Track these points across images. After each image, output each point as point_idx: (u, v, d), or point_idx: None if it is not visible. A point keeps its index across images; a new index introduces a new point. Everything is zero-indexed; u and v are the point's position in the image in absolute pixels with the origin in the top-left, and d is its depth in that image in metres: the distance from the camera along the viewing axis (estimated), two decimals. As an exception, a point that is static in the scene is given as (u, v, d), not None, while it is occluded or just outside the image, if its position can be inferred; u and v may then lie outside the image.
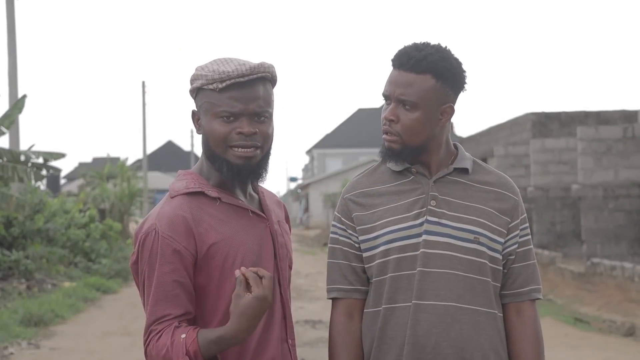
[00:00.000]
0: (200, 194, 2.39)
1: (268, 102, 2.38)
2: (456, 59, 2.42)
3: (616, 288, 12.43)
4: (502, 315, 2.46)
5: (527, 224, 2.51)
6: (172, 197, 2.39)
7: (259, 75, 2.35)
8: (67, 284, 15.38)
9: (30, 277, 14.82)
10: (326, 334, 10.60)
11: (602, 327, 11.90)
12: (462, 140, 27.02)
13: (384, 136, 2.42)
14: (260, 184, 2.59)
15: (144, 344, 2.28)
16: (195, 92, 2.40)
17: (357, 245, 2.46)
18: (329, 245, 2.53)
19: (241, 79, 2.33)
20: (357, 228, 2.45)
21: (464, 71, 2.44)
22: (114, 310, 13.55)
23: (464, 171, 2.47)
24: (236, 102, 2.33)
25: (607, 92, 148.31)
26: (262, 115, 2.36)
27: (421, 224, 2.39)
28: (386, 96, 2.42)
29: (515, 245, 2.47)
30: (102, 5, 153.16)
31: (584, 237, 15.51)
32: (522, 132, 21.18)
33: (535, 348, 2.44)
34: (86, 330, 11.50)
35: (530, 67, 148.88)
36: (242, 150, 2.35)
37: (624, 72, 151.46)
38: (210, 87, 2.34)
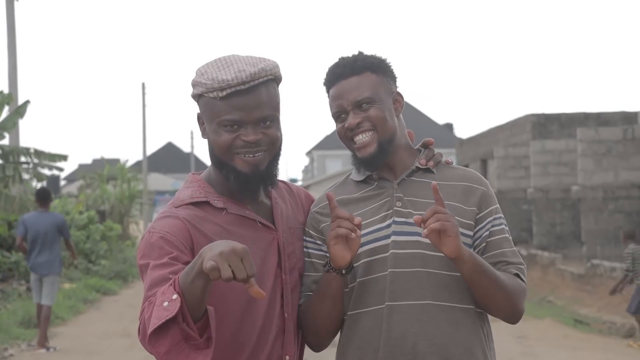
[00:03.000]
0: (206, 203, 2.33)
1: (273, 105, 2.31)
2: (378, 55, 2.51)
3: (616, 289, 12.40)
4: (482, 311, 2.41)
5: (501, 215, 2.45)
6: (176, 207, 2.32)
7: (261, 80, 2.28)
8: (67, 285, 15.38)
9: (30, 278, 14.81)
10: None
11: (602, 329, 11.90)
12: (462, 141, 26.99)
13: (358, 144, 2.39)
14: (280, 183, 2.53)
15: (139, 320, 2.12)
16: (197, 98, 2.34)
17: (328, 256, 2.42)
18: (305, 259, 2.49)
19: (242, 87, 2.26)
20: (327, 239, 2.42)
21: (390, 62, 2.51)
22: (113, 312, 13.55)
23: (428, 171, 2.45)
24: (238, 110, 2.26)
25: (607, 93, 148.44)
26: (267, 120, 2.29)
27: (388, 226, 2.38)
28: (340, 111, 2.41)
29: (487, 233, 2.41)
30: (102, 7, 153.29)
31: (584, 239, 15.50)
32: (522, 133, 21.18)
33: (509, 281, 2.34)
34: (86, 331, 11.51)
35: (530, 69, 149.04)
36: (249, 156, 2.28)
37: (623, 73, 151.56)
38: (211, 95, 2.28)
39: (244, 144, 2.28)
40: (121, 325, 11.76)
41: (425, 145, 2.54)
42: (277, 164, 2.38)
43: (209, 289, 2.02)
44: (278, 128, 2.34)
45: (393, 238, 2.37)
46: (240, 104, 2.26)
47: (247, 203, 2.38)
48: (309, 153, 64.15)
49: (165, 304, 1.99)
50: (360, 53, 2.46)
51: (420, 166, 2.45)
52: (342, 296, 2.38)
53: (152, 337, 2.01)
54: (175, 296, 1.99)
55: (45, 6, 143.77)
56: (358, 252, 2.35)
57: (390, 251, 2.36)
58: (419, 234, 2.34)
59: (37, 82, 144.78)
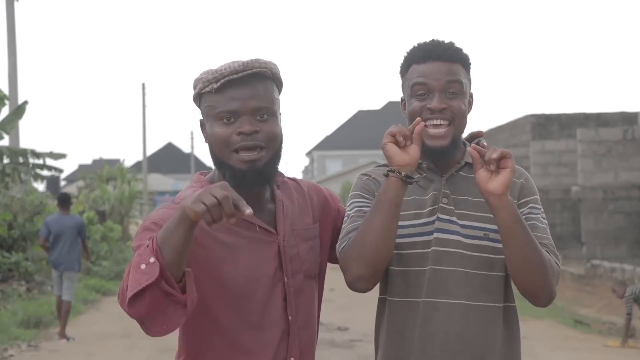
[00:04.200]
0: None
1: (269, 99, 2.31)
2: None
3: (616, 290, 12.41)
4: (514, 305, 2.45)
5: (539, 207, 2.44)
6: (176, 204, 2.31)
7: (254, 71, 2.29)
8: (67, 286, 15.36)
9: (30, 279, 14.81)
10: (326, 336, 10.56)
11: (602, 329, 11.90)
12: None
13: (434, 131, 2.36)
14: (296, 181, 2.53)
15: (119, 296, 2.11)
16: (198, 99, 2.37)
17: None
18: (350, 215, 2.41)
19: (235, 76, 2.28)
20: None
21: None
22: (114, 312, 13.53)
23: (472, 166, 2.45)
24: (233, 100, 2.28)
25: (606, 94, 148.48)
26: (263, 112, 2.29)
27: (432, 222, 2.39)
28: (423, 87, 2.38)
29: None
30: (102, 7, 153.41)
31: (584, 239, 15.51)
32: (522, 134, 21.18)
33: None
34: (86, 332, 11.51)
35: (530, 69, 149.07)
36: (246, 154, 2.28)
37: (623, 74, 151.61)
38: (208, 89, 2.31)
39: (240, 138, 2.28)
40: (121, 325, 11.75)
41: (473, 138, 2.55)
42: (277, 163, 2.36)
43: (190, 242, 2.03)
44: (276, 124, 2.34)
45: (436, 235, 2.38)
46: (235, 95, 2.29)
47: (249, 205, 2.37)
48: (309, 153, 64.07)
49: (143, 266, 2.01)
50: (453, 43, 2.46)
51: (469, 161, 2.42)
52: (399, 207, 2.29)
53: (132, 300, 2.02)
54: (152, 259, 2.00)
55: (45, 6, 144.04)
56: (400, 242, 2.37)
57: (432, 248, 2.37)
58: (460, 234, 2.38)
59: (37, 83, 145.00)
